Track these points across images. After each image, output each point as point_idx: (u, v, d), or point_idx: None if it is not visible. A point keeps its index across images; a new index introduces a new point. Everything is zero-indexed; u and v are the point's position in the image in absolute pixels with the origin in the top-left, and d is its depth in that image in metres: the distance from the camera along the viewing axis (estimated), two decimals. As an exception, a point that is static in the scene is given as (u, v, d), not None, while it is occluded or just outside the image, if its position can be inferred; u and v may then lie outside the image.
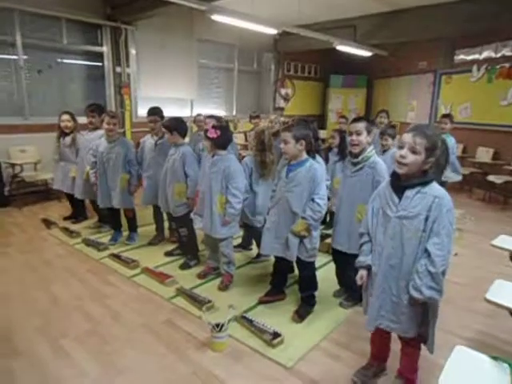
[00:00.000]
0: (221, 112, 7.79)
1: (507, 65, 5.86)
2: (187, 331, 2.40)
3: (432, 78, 7.26)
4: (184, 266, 3.26)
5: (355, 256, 2.49)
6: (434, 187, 1.66)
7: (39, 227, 4.24)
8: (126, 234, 3.90)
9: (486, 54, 6.20)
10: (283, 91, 8.59)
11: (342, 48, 6.71)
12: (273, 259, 2.78)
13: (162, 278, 3.01)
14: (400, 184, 1.72)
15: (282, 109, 8.50)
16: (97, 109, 3.97)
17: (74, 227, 4.18)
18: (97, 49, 5.86)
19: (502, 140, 5.81)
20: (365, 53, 7.15)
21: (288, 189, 2.42)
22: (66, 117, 4.08)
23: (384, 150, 3.70)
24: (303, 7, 6.08)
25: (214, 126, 2.75)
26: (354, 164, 2.47)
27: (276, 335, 2.26)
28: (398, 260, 1.70)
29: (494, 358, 1.31)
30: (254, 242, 3.62)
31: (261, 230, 3.32)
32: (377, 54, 7.39)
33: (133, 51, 6.12)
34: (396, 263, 1.71)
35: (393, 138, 3.67)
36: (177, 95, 6.87)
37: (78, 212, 4.48)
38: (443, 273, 1.60)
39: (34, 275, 3.13)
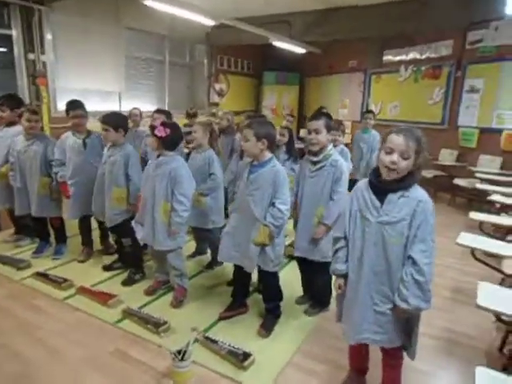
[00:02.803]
0: (152, 107, 7.27)
1: (431, 66, 6.26)
2: (142, 361, 2.07)
3: (362, 77, 7.54)
4: (128, 282, 2.87)
5: (319, 263, 2.41)
6: (417, 190, 1.57)
7: None
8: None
9: (411, 56, 6.56)
10: (217, 86, 8.30)
11: (278, 44, 6.65)
12: (228, 266, 2.55)
13: (103, 298, 2.61)
14: (381, 186, 1.60)
15: (216, 104, 8.27)
16: (8, 101, 3.35)
17: (-17, 242, 3.51)
18: (4, 31, 5.01)
19: (430, 137, 6.05)
20: (299, 50, 7.18)
21: (249, 192, 2.21)
22: None
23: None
24: (239, -1, 5.89)
25: (163, 124, 2.43)
26: (314, 163, 2.33)
27: (246, 356, 2.04)
28: (382, 267, 1.59)
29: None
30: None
31: (216, 235, 3.12)
32: (309, 52, 7.47)
33: (48, 36, 5.34)
34: (379, 271, 1.60)
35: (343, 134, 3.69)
36: (102, 87, 6.23)
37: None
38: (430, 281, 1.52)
39: None
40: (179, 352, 1.93)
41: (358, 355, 1.88)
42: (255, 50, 8.57)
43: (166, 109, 7.29)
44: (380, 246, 1.58)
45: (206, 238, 3.17)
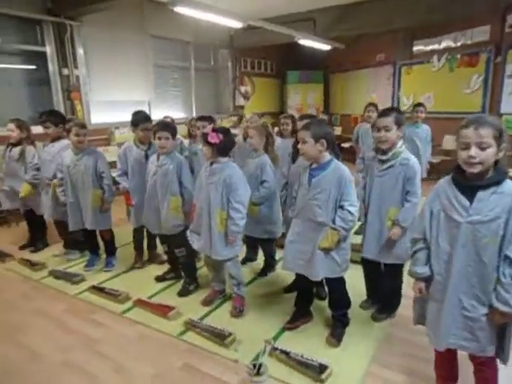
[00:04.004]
0: (180, 113, 7.29)
1: (466, 53, 6.02)
2: (214, 376, 2.00)
3: (391, 70, 7.33)
4: (183, 293, 2.82)
5: (389, 266, 2.30)
6: (510, 185, 1.45)
7: (-10, 261, 3.54)
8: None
9: (445, 44, 6.34)
10: (243, 89, 8.25)
11: (303, 42, 6.54)
12: (282, 273, 2.48)
13: (162, 310, 2.56)
14: (468, 184, 1.48)
15: (242, 107, 8.21)
16: (50, 118, 3.37)
17: (35, 257, 3.54)
18: (38, 49, 5.10)
19: (469, 127, 5.96)
20: (324, 46, 7.05)
21: (311, 196, 2.11)
22: (10, 125, 3.47)
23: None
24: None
25: (214, 130, 2.37)
26: (383, 162, 2.22)
27: (323, 368, 1.94)
28: (473, 270, 1.48)
29: None
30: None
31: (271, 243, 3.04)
32: (333, 48, 7.32)
33: (80, 50, 5.42)
34: (470, 273, 1.49)
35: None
36: (132, 97, 6.27)
37: (36, 237, 3.81)
38: None
39: (-4, 325, 2.53)
40: (254, 366, 1.86)
41: (446, 363, 1.76)
42: (277, 50, 8.49)
43: (194, 115, 7.33)
44: (470, 248, 1.47)
45: (260, 246, 3.10)
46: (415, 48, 6.83)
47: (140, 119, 2.98)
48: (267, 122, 2.96)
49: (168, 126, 2.71)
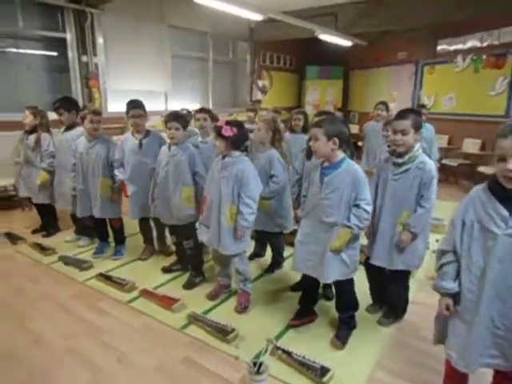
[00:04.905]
0: (196, 105, 7.27)
1: (493, 54, 5.81)
2: (214, 372, 1.98)
3: (413, 69, 7.15)
4: (189, 285, 2.81)
5: (392, 270, 2.22)
6: None
7: (2, 243, 3.60)
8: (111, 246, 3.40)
9: (470, 44, 6.14)
10: (260, 83, 8.18)
11: (324, 37, 6.43)
12: (289, 270, 2.45)
13: (167, 302, 2.56)
14: (508, 194, 1.37)
15: (259, 101, 8.15)
16: (64, 104, 3.36)
17: (46, 242, 3.58)
18: (59, 35, 5.14)
19: (491, 131, 5.74)
20: (345, 42, 6.92)
21: (323, 196, 2.05)
22: (25, 112, 3.48)
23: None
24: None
25: (228, 123, 2.32)
26: (398, 165, 2.13)
27: (324, 370, 1.90)
28: (510, 287, 1.39)
29: None
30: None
31: (280, 238, 3.01)
32: (354, 44, 7.18)
33: (100, 38, 5.45)
34: (507, 290, 1.40)
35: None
36: (150, 87, 6.28)
37: (48, 223, 3.86)
38: None
39: (2, 308, 2.56)
40: (254, 364, 1.83)
41: (458, 378, 1.65)
42: (297, 44, 8.39)
43: (211, 107, 7.30)
44: (508, 263, 1.38)
45: (269, 241, 3.07)
46: (439, 47, 6.63)
47: (129, 107, 2.96)
48: (277, 117, 2.91)
49: (178, 117, 2.68)
